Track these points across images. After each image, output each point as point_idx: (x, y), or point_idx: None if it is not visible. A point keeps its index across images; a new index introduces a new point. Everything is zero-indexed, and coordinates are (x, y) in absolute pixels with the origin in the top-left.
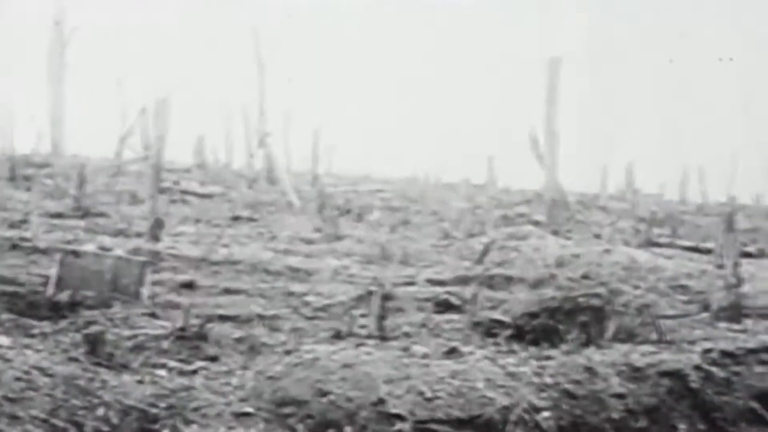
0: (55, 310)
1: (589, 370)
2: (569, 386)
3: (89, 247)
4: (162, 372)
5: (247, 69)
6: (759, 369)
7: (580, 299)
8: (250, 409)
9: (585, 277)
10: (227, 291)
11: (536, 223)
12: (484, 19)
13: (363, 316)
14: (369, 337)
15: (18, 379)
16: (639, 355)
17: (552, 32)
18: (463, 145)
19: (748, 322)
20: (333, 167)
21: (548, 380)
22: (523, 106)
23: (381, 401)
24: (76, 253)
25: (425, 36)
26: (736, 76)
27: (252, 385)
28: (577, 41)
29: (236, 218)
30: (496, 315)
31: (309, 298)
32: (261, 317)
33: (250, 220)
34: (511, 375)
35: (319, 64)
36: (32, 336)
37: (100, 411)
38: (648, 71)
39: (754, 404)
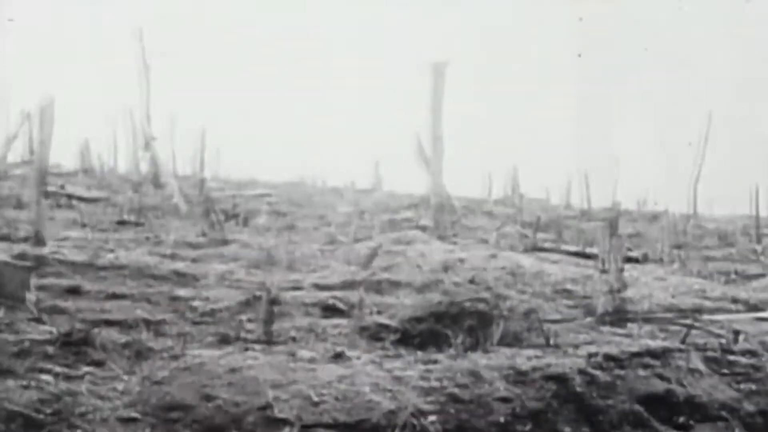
0: None
1: (475, 374)
2: (455, 390)
3: None
4: (47, 377)
5: (132, 71)
6: (642, 373)
7: (466, 304)
8: (136, 415)
9: (471, 281)
10: (113, 296)
11: (422, 228)
12: (369, 23)
13: (249, 320)
14: (255, 341)
15: None
16: (524, 359)
17: (436, 37)
18: (349, 149)
19: (632, 327)
20: (219, 171)
21: (434, 384)
22: (408, 110)
23: (267, 406)
24: None
25: (310, 39)
26: (617, 82)
27: (138, 390)
28: (462, 46)
29: (122, 223)
30: (383, 319)
31: (195, 303)
32: (147, 322)
33: (136, 224)
34: (397, 379)
35: (205, 66)
36: None
37: None
38: (531, 76)
39: (638, 407)
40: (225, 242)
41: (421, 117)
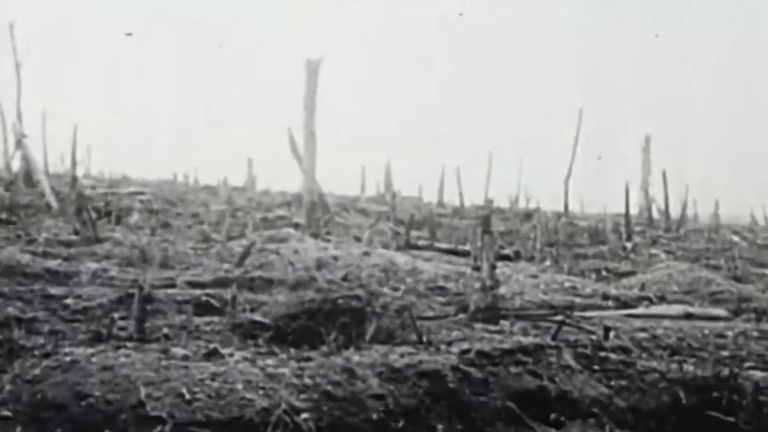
0: None
1: (349, 371)
2: (329, 387)
3: None
4: None
5: (3, 68)
6: (515, 369)
7: (340, 301)
8: (7, 413)
9: (344, 279)
10: None
11: (296, 226)
12: (243, 20)
13: (122, 318)
14: (128, 339)
15: None
16: (398, 356)
17: (310, 34)
18: (222, 147)
19: (505, 323)
20: (92, 169)
21: (308, 382)
22: (281, 108)
23: (140, 404)
24: None
25: (182, 35)
26: (490, 81)
27: (10, 388)
28: (335, 43)
29: None
30: (256, 317)
31: (68, 301)
32: (19, 320)
33: (8, 222)
34: (271, 377)
35: (77, 63)
36: None
37: None
38: (403, 74)
39: (510, 404)
40: (98, 240)
41: (295, 114)
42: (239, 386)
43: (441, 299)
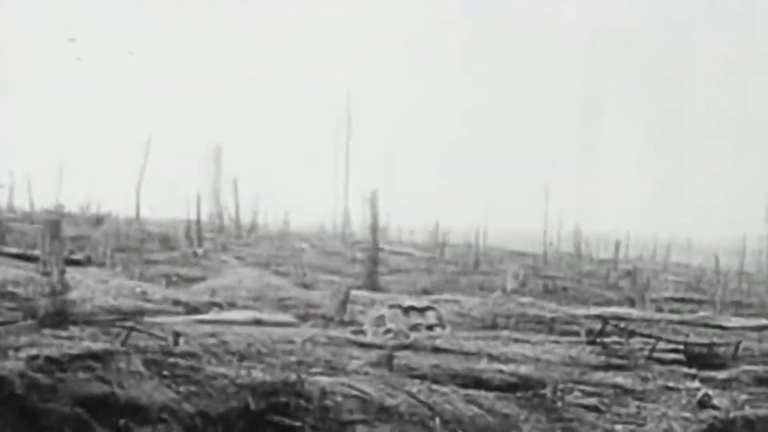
0: None
1: None
2: None
3: None
4: None
5: None
6: (83, 375)
7: None
8: None
9: None
10: None
11: None
12: None
13: None
14: None
15: None
16: None
17: None
18: None
19: (74, 329)
20: None
21: None
22: None
23: None
24: None
25: None
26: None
27: None
28: None
29: None
30: None
31: None
32: None
33: None
34: None
35: None
36: None
37: None
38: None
39: (79, 410)
40: None
41: None
42: None
43: (10, 304)
